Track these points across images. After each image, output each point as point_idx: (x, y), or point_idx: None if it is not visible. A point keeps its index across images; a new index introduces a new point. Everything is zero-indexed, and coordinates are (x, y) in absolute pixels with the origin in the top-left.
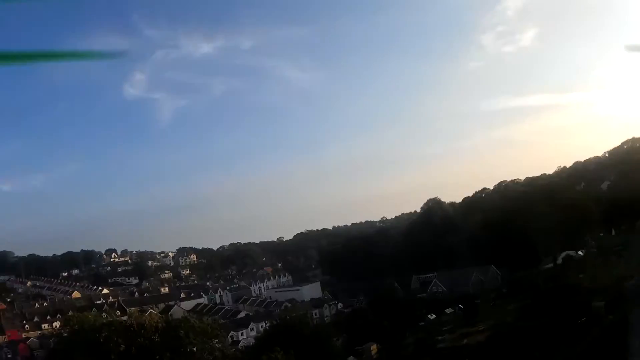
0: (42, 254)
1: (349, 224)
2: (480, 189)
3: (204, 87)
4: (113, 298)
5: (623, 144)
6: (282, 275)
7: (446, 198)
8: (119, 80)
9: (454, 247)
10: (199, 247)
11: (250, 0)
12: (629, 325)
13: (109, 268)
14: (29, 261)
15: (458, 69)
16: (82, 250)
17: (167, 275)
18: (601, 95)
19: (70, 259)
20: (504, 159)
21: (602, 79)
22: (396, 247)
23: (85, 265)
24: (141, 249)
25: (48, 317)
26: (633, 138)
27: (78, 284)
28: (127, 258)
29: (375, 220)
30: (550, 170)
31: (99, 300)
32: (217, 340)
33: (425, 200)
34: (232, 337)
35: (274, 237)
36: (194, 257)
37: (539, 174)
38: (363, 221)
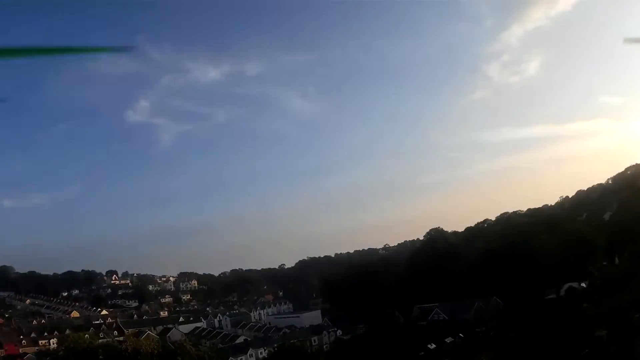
0: (43, 272)
1: (352, 251)
2: (482, 219)
3: (208, 113)
4: (112, 319)
5: (627, 169)
6: (282, 302)
7: (448, 227)
8: (124, 104)
9: (456, 276)
10: (200, 272)
11: (258, 27)
12: (634, 357)
13: (109, 290)
14: (29, 278)
15: (462, 98)
16: (82, 270)
17: (168, 299)
18: (605, 123)
19: (70, 279)
20: (506, 188)
21: (605, 108)
22: (398, 275)
23: (86, 286)
24: (142, 272)
25: (45, 334)
26: (637, 164)
27: (77, 304)
28: (128, 281)
29: (377, 247)
30: (552, 200)
31: (98, 320)
32: None
33: (427, 229)
34: None
35: (275, 264)
36: (195, 282)
37: (541, 205)
38: (366, 248)
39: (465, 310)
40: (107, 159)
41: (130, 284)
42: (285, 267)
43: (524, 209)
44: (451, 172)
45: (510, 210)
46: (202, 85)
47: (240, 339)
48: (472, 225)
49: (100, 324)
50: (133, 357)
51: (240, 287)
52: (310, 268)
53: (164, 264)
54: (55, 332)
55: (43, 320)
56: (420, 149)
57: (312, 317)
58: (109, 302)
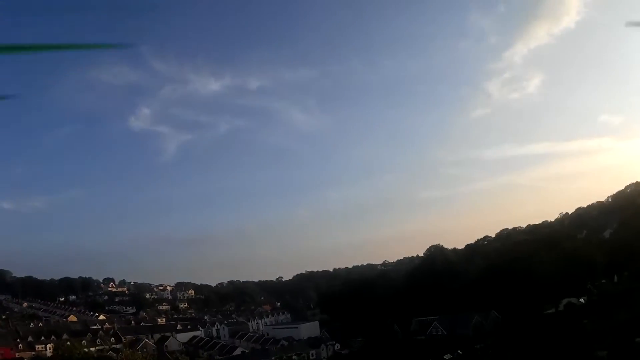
0: (40, 277)
1: (350, 266)
2: (482, 235)
3: (209, 124)
4: (109, 325)
5: (626, 187)
6: (280, 313)
7: (448, 243)
8: (126, 111)
9: (455, 292)
10: (197, 282)
11: (260, 40)
12: None
13: (106, 297)
14: (26, 282)
15: (463, 115)
16: (80, 276)
17: (165, 307)
18: (606, 142)
19: (67, 284)
20: (506, 205)
21: (606, 126)
22: (397, 290)
23: (83, 292)
24: (139, 281)
25: (42, 338)
26: (637, 182)
27: (75, 308)
28: (125, 289)
29: (376, 263)
30: (552, 217)
31: (95, 325)
32: None
33: (427, 244)
34: None
35: (273, 277)
36: (192, 292)
37: (540, 221)
38: (364, 264)
39: (464, 325)
40: (108, 165)
41: (127, 291)
42: (283, 280)
43: (524, 225)
44: (451, 189)
45: (510, 227)
46: (204, 96)
47: (238, 351)
48: (472, 242)
49: (97, 330)
50: None
51: (237, 297)
52: (308, 281)
53: (161, 273)
54: (53, 337)
55: (40, 324)
56: (421, 165)
57: (310, 328)
58: (107, 308)
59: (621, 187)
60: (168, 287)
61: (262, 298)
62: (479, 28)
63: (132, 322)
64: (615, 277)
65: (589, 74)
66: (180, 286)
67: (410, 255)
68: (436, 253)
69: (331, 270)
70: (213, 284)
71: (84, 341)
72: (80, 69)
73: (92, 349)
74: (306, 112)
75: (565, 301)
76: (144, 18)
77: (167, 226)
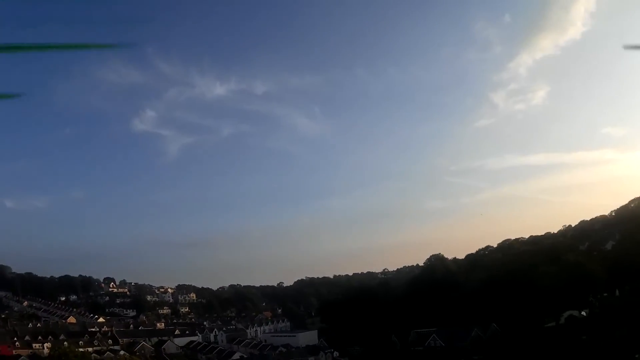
0: (40, 274)
1: (350, 274)
2: (483, 246)
3: (213, 128)
4: (108, 327)
5: (630, 202)
6: (280, 320)
7: (449, 253)
8: (130, 112)
9: (455, 303)
10: (199, 285)
11: (266, 46)
12: None
13: (107, 298)
14: (26, 279)
15: (468, 125)
16: (80, 275)
17: (165, 310)
18: (609, 154)
19: (67, 283)
20: (509, 215)
21: (609, 139)
22: (396, 299)
23: (83, 292)
24: (140, 282)
25: (39, 338)
26: None
27: (75, 309)
28: (126, 289)
29: (376, 271)
30: (555, 228)
31: (93, 328)
32: None
33: (428, 253)
34: None
35: (274, 282)
36: (193, 295)
37: (543, 233)
38: (365, 272)
39: (462, 337)
40: (111, 165)
41: (128, 292)
42: (284, 285)
43: (526, 236)
44: (454, 198)
45: (513, 237)
46: (209, 100)
47: (236, 356)
48: (474, 252)
49: (95, 332)
50: None
51: (238, 302)
52: (308, 288)
53: (162, 274)
54: (50, 337)
55: (39, 324)
56: (424, 174)
57: (309, 336)
58: (107, 310)
59: (624, 200)
60: (169, 290)
61: (264, 304)
62: (484, 38)
63: (131, 325)
64: (617, 291)
65: (593, 86)
66: (182, 289)
67: (410, 264)
68: (436, 263)
69: (332, 277)
70: (214, 288)
71: (81, 342)
72: (86, 69)
73: (89, 349)
74: (310, 118)
75: (566, 314)
76: (151, 21)
77: (169, 228)
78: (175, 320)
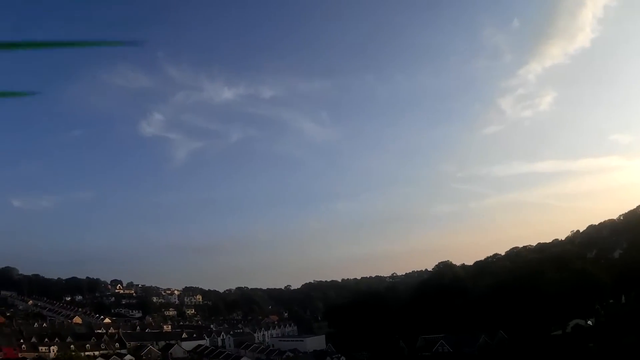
0: (47, 276)
1: (358, 278)
2: (492, 252)
3: (221, 132)
4: (114, 329)
5: (638, 207)
6: (287, 324)
7: (457, 258)
8: (138, 115)
9: (463, 309)
10: (205, 287)
11: (275, 51)
12: None
13: (113, 299)
14: (32, 280)
15: (476, 131)
16: (87, 277)
17: (172, 312)
18: (616, 160)
19: (74, 285)
20: (517, 222)
21: (617, 145)
22: (404, 305)
23: (89, 293)
24: (147, 284)
25: (46, 340)
26: None
27: (80, 309)
28: (132, 291)
29: (385, 275)
30: (563, 235)
31: (100, 329)
32: None
33: (436, 260)
34: None
35: (281, 285)
36: (199, 297)
37: (551, 239)
38: (373, 276)
39: (470, 344)
40: (118, 168)
41: (134, 294)
42: (291, 288)
43: (534, 243)
44: (462, 205)
45: (521, 245)
46: (217, 104)
47: None
48: (482, 259)
49: (102, 334)
50: None
51: (245, 305)
52: (316, 291)
53: (169, 276)
54: (56, 339)
55: (44, 324)
56: (432, 180)
57: (316, 341)
58: (112, 311)
59: (632, 206)
60: (175, 292)
61: (270, 307)
62: (493, 45)
63: (138, 327)
64: (623, 298)
65: (601, 93)
66: (188, 291)
67: (419, 269)
68: (445, 269)
69: (339, 280)
70: (221, 290)
71: (87, 345)
72: (94, 72)
73: (96, 352)
74: (318, 123)
75: (573, 322)
76: (161, 24)
77: (176, 231)
78: (181, 322)
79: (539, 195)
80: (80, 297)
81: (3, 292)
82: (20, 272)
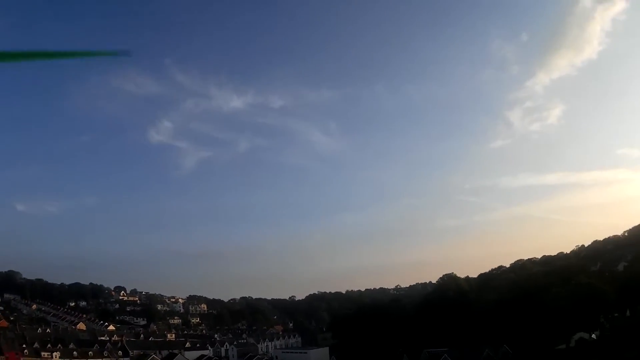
0: (50, 280)
1: (363, 289)
2: (496, 265)
3: (229, 141)
4: (118, 337)
5: None
6: (291, 335)
7: (461, 271)
8: (147, 122)
9: (467, 323)
10: (210, 296)
11: (284, 60)
12: None
13: (117, 305)
14: (36, 285)
15: (483, 144)
16: (90, 283)
17: (176, 321)
18: (623, 174)
19: (77, 290)
20: (522, 235)
21: (624, 159)
22: (408, 317)
23: (93, 299)
24: (151, 291)
25: (49, 346)
26: None
27: (84, 316)
28: (136, 298)
29: (389, 287)
30: (568, 248)
31: (104, 336)
32: None
33: (440, 271)
34: None
35: (286, 295)
36: (204, 306)
37: (556, 253)
38: (377, 287)
39: (474, 358)
40: (125, 174)
41: (138, 301)
42: (296, 299)
43: (539, 256)
44: (468, 217)
45: (525, 257)
46: (226, 112)
47: None
48: (486, 271)
49: (105, 341)
50: None
51: (249, 315)
52: (320, 302)
53: (174, 284)
54: (59, 345)
55: (48, 329)
56: (439, 192)
57: (320, 354)
58: (117, 318)
59: (638, 221)
60: (180, 300)
61: (275, 317)
62: (501, 57)
63: (142, 335)
64: (628, 312)
65: (609, 105)
66: (193, 300)
67: (423, 282)
68: (449, 281)
69: (344, 292)
70: (226, 299)
71: (90, 352)
72: (102, 78)
73: None
74: (326, 134)
75: (577, 336)
76: (169, 31)
77: (182, 239)
78: (185, 332)
79: (546, 209)
80: (84, 303)
81: (6, 296)
82: (23, 276)
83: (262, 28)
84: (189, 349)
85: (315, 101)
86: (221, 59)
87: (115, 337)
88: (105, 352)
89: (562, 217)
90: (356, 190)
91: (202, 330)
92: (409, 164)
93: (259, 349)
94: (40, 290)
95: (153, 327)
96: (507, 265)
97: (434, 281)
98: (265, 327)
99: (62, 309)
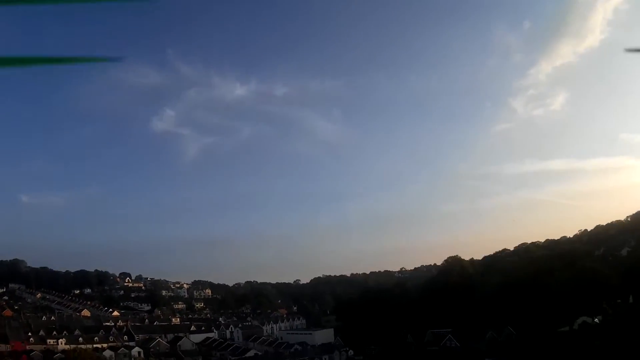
0: (55, 268)
1: (367, 272)
2: (500, 249)
3: (233, 129)
4: (123, 322)
5: None
6: (296, 318)
7: (466, 255)
8: (150, 111)
9: (471, 305)
10: (215, 281)
11: (287, 48)
12: None
13: (122, 292)
14: (40, 273)
15: (487, 130)
16: (95, 270)
17: (181, 306)
18: (627, 160)
19: (82, 277)
20: (526, 219)
21: (628, 145)
22: (413, 299)
23: (98, 286)
24: (156, 277)
25: (54, 333)
26: None
27: (89, 303)
28: (141, 284)
29: (393, 270)
30: (571, 232)
31: (108, 322)
32: None
33: (445, 255)
34: None
35: (290, 279)
36: (208, 291)
37: (559, 237)
38: (382, 270)
39: (478, 339)
40: (129, 164)
41: (143, 287)
42: (300, 283)
43: (543, 239)
44: (472, 202)
45: (529, 241)
46: (228, 101)
47: (251, 353)
48: (491, 254)
49: (110, 327)
50: None
51: (254, 299)
52: (324, 285)
53: (178, 270)
54: (65, 332)
55: (53, 317)
56: (443, 177)
57: (325, 335)
58: (121, 304)
59: None
60: (185, 285)
61: (279, 301)
62: (504, 44)
63: (147, 320)
64: (631, 297)
65: (612, 92)
66: (197, 285)
67: (427, 264)
68: (453, 264)
69: (348, 275)
70: (230, 284)
71: (96, 337)
72: (105, 69)
73: (104, 345)
74: (330, 122)
75: (580, 320)
76: (171, 21)
77: (186, 226)
78: (190, 316)
79: (549, 194)
80: (89, 290)
81: (11, 285)
82: (28, 265)
83: (265, 17)
84: (194, 332)
85: (318, 89)
86: (224, 48)
87: (120, 323)
88: (110, 337)
89: (565, 202)
90: (360, 177)
91: (206, 314)
92: (413, 151)
93: (264, 331)
94: (45, 278)
95: (157, 312)
96: (511, 249)
97: (438, 263)
98: (269, 311)
99: (66, 296)
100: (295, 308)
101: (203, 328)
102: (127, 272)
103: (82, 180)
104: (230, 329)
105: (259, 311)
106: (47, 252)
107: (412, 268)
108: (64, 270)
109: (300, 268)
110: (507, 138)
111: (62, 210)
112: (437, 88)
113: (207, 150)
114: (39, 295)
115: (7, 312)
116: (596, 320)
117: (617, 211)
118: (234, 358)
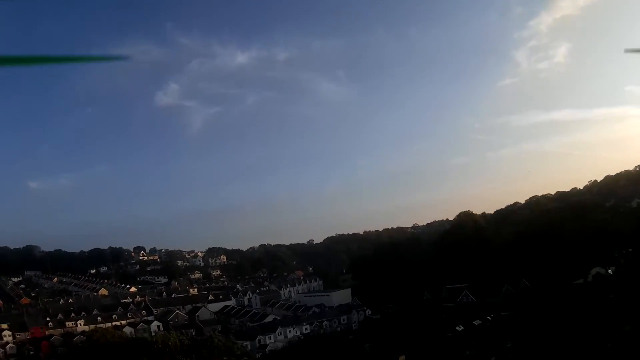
0: (69, 250)
1: (380, 229)
2: (512, 201)
3: (237, 97)
4: (140, 297)
5: None
6: (313, 280)
7: (477, 208)
8: (153, 87)
9: (486, 259)
10: (229, 247)
11: (286, 11)
12: None
13: (137, 267)
14: (55, 256)
15: (491, 83)
16: (110, 247)
17: (197, 275)
18: (631, 110)
19: (97, 256)
20: (535, 171)
21: (633, 95)
22: (427, 255)
23: (113, 263)
24: (170, 248)
25: (72, 315)
26: None
27: (105, 281)
28: (156, 257)
29: (406, 226)
30: (581, 184)
31: (126, 298)
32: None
33: (456, 209)
34: (259, 340)
35: (304, 240)
36: (223, 257)
37: (569, 188)
38: (394, 227)
39: (494, 293)
40: (135, 140)
41: (158, 260)
42: (314, 243)
43: (553, 192)
44: (480, 155)
45: (540, 194)
46: (231, 69)
47: (270, 318)
48: (502, 207)
49: (128, 303)
50: (162, 350)
51: (269, 262)
52: (338, 244)
53: (192, 239)
54: (83, 313)
55: (70, 300)
56: (450, 132)
57: (342, 295)
58: (138, 279)
59: None
60: (199, 254)
61: (295, 263)
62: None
63: (164, 293)
64: None
65: (614, 44)
66: (212, 252)
67: (440, 219)
68: (466, 219)
69: (361, 233)
70: (244, 249)
71: (114, 315)
72: (105, 47)
73: (123, 322)
74: (334, 82)
75: (594, 271)
76: None
77: (197, 197)
78: (207, 285)
79: (557, 144)
80: (104, 268)
81: (27, 273)
82: (42, 250)
83: None
84: (212, 301)
85: (320, 51)
86: (222, 16)
87: (137, 298)
88: (129, 314)
89: (573, 151)
90: (368, 136)
91: (223, 282)
92: (419, 107)
93: (282, 295)
94: (60, 261)
95: (175, 283)
96: (522, 202)
97: (450, 218)
98: (285, 274)
99: (83, 277)
100: (311, 269)
101: (221, 297)
102: (142, 245)
103: (90, 161)
104: (248, 295)
105: (275, 275)
106: (60, 235)
107: (425, 224)
108: (78, 251)
109: (313, 228)
110: (512, 90)
111: (72, 192)
112: (439, 43)
113: (213, 121)
114: (55, 279)
115: (25, 300)
116: (609, 271)
117: (625, 161)
118: (252, 324)
